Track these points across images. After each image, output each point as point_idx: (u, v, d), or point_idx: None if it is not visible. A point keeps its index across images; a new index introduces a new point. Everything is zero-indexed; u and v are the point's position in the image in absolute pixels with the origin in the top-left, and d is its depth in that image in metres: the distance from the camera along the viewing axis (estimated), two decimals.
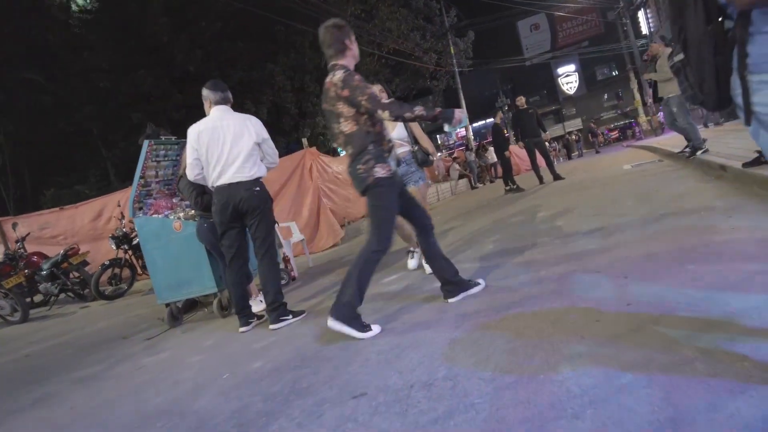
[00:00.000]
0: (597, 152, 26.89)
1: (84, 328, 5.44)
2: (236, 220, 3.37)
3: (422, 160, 3.84)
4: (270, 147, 3.55)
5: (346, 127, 2.59)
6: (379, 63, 25.22)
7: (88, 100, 13.83)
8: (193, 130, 3.40)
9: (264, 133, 3.51)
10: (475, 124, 42.73)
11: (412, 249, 4.25)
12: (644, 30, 23.63)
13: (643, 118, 26.49)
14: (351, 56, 2.69)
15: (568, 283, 2.66)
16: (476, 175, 16.91)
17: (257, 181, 3.40)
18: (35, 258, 7.11)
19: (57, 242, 8.16)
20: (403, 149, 3.82)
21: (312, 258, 6.96)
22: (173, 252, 4.31)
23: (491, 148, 19.19)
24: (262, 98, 16.91)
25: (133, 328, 4.79)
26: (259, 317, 3.60)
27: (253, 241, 3.40)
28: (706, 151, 6.49)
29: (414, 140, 3.97)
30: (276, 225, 5.73)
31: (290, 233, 6.22)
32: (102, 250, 7.85)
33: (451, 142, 46.50)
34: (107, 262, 6.50)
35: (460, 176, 16.19)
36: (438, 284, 3.01)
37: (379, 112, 2.52)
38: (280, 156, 4.39)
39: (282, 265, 5.22)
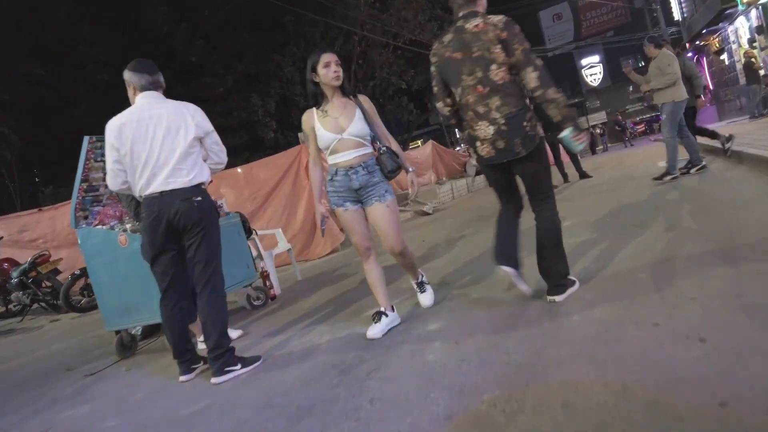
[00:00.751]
0: (629, 145, 25.53)
1: (36, 350, 4.78)
2: (172, 240, 2.61)
3: (391, 167, 2.61)
4: (215, 142, 2.77)
5: (498, 75, 2.36)
6: (395, 54, 24.32)
7: (86, 94, 13.31)
8: (113, 125, 2.60)
9: (206, 125, 2.73)
10: None
11: (382, 310, 2.74)
12: (677, 16, 22.15)
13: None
14: (482, 6, 2.53)
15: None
16: None
17: (198, 189, 2.62)
18: (6, 265, 6.52)
19: (37, 246, 7.56)
20: (361, 152, 2.60)
21: (303, 269, 6.20)
22: (120, 270, 3.60)
23: None
24: (269, 91, 16.23)
25: (85, 354, 4.11)
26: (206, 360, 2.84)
27: (192, 267, 2.63)
28: (676, 177, 5.72)
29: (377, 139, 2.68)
30: (254, 234, 5.04)
31: (275, 242, 5.46)
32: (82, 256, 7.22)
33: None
34: (78, 271, 5.86)
35: (477, 172, 15.24)
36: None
37: (528, 69, 2.31)
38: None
39: (258, 282, 4.48)
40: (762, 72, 12.99)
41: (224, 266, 3.60)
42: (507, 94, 2.37)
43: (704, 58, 22.76)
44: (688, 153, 6.03)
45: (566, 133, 2.35)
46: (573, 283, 2.55)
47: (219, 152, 2.78)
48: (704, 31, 18.02)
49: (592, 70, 40.55)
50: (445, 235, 5.87)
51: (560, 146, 8.78)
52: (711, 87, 23.03)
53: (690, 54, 23.67)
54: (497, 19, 2.37)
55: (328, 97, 2.67)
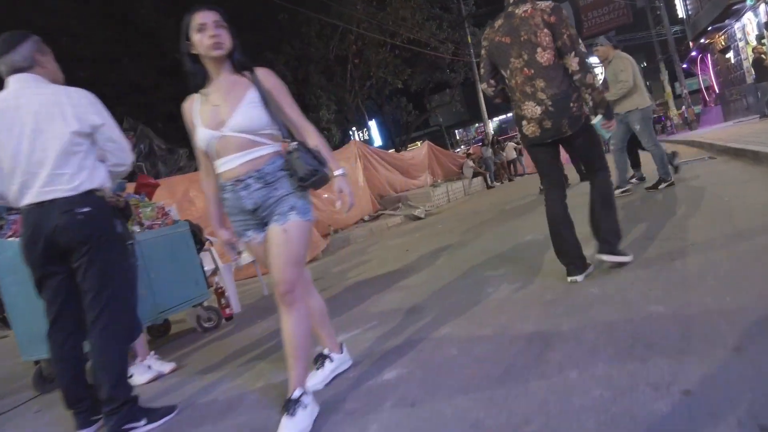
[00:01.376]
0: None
1: None
2: (55, 261, 2.04)
3: (305, 172, 1.74)
4: (109, 139, 2.13)
5: (543, 58, 2.49)
6: (392, 54, 23.78)
7: None
8: None
9: (93, 117, 2.08)
10: (495, 118, 40.91)
11: (325, 352, 2.13)
12: (681, 14, 21.57)
13: (674, 111, 24.41)
14: None
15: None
16: (492, 173, 15.36)
17: (87, 198, 2.02)
18: None
19: None
20: (251, 155, 1.76)
21: (271, 281, 5.62)
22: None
23: (510, 143, 17.66)
24: None
25: (5, 386, 3.55)
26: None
27: (82, 295, 2.06)
28: (672, 184, 5.12)
29: (289, 134, 1.86)
30: (209, 245, 4.48)
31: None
32: None
33: (470, 136, 44.71)
34: None
35: (475, 174, 14.67)
36: None
37: (572, 54, 2.45)
38: None
39: (210, 302, 3.91)
40: None
41: (169, 284, 3.01)
42: (552, 76, 2.47)
43: (708, 57, 22.17)
44: (616, 170, 5.47)
45: (597, 119, 2.51)
46: (626, 254, 2.60)
47: (117, 151, 2.15)
48: (710, 28, 17.44)
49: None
50: (432, 244, 5.30)
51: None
52: (716, 87, 22.43)
53: (694, 53, 23.11)
54: (545, 4, 2.50)
55: (211, 75, 1.83)
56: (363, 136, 30.16)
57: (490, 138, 19.62)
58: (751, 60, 15.41)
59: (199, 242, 3.99)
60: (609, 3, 37.41)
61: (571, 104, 2.48)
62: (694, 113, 22.03)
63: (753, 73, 15.25)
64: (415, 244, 5.72)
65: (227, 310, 4.01)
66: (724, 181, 4.76)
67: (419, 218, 9.10)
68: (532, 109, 2.53)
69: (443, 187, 12.60)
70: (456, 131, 45.70)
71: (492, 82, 2.76)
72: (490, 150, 15.88)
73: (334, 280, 4.57)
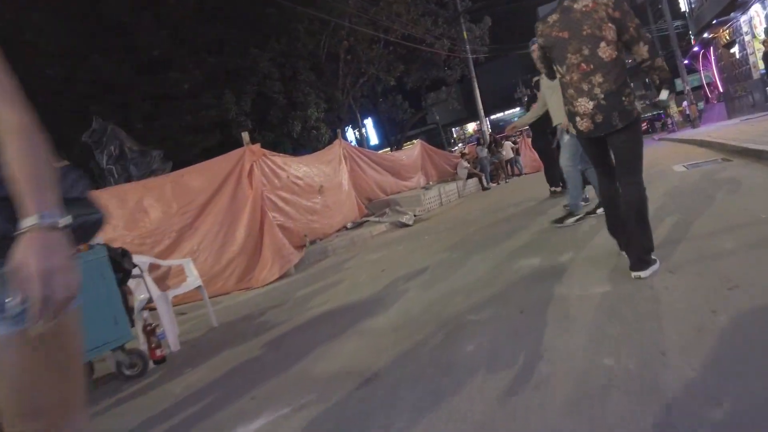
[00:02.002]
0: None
1: None
2: None
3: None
4: None
5: (606, 53, 2.47)
6: (386, 50, 23.07)
7: (41, 90, 12.03)
8: None
9: None
10: (492, 117, 40.19)
11: None
12: (683, 7, 20.84)
13: (674, 109, 23.69)
14: None
15: None
16: (488, 174, 14.66)
17: None
18: None
19: None
20: None
21: (232, 305, 4.94)
22: None
23: (507, 143, 16.94)
24: (245, 88, 14.95)
25: None
26: None
27: None
28: (582, 218, 4.43)
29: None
30: (142, 269, 3.77)
31: (182, 276, 4.21)
32: None
33: (467, 134, 43.91)
34: None
35: (470, 175, 13.97)
36: None
37: (641, 43, 2.47)
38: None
39: (136, 341, 3.23)
40: None
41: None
42: (609, 71, 2.47)
43: (711, 52, 21.48)
44: (567, 189, 4.85)
45: (664, 95, 2.58)
46: (655, 261, 2.54)
47: None
48: (714, 21, 16.73)
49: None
50: (411, 263, 4.62)
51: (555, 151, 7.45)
52: (719, 83, 21.75)
53: (696, 48, 22.42)
54: None
55: None
56: (358, 135, 29.42)
57: (486, 137, 18.93)
58: (760, 54, 14.74)
59: (123, 270, 3.29)
60: None
61: (623, 98, 2.49)
62: (696, 110, 21.32)
63: (761, 67, 14.59)
64: (394, 261, 5.03)
65: (158, 351, 3.32)
66: (752, 191, 4.07)
67: (407, 225, 8.40)
68: (585, 104, 2.55)
69: (435, 190, 11.91)
70: (453, 129, 45.01)
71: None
72: (486, 150, 15.19)
73: (291, 311, 3.89)
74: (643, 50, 2.47)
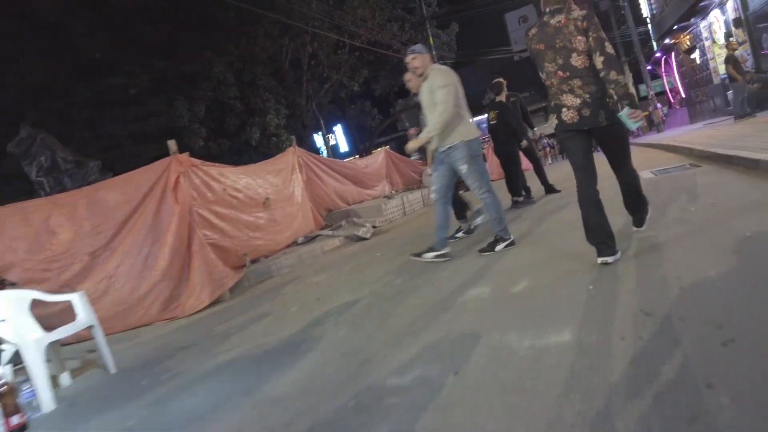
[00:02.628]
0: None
1: None
2: None
3: None
4: None
5: (578, 62, 2.72)
6: (352, 56, 22.54)
7: None
8: None
9: None
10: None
11: None
12: (645, 12, 20.98)
13: (636, 125, 23.80)
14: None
15: None
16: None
17: None
18: None
19: None
20: None
21: (141, 343, 4.22)
22: None
23: None
24: (198, 93, 14.14)
25: None
26: None
27: None
28: (512, 243, 3.95)
29: None
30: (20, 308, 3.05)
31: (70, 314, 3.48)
32: None
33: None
34: None
35: None
36: None
37: (597, 54, 2.64)
38: None
39: None
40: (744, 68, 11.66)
41: None
42: (586, 76, 2.72)
43: (672, 58, 21.71)
44: (436, 220, 4.21)
45: (624, 111, 2.61)
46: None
47: None
48: (675, 27, 16.80)
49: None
50: (354, 287, 4.03)
51: (520, 157, 7.00)
52: (681, 88, 21.99)
53: (658, 54, 22.64)
54: (579, 13, 2.72)
55: None
56: (323, 142, 28.76)
57: None
58: (720, 59, 14.80)
59: None
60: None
61: (608, 100, 2.71)
62: (660, 115, 21.49)
63: (722, 72, 14.64)
64: (334, 286, 4.42)
65: (14, 419, 2.61)
66: (728, 201, 3.63)
67: (364, 239, 7.81)
68: (571, 99, 2.76)
69: (398, 199, 11.35)
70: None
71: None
72: None
73: (197, 357, 3.23)
74: (598, 60, 2.64)
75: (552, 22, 2.78)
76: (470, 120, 3.98)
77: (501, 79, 7.08)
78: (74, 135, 11.85)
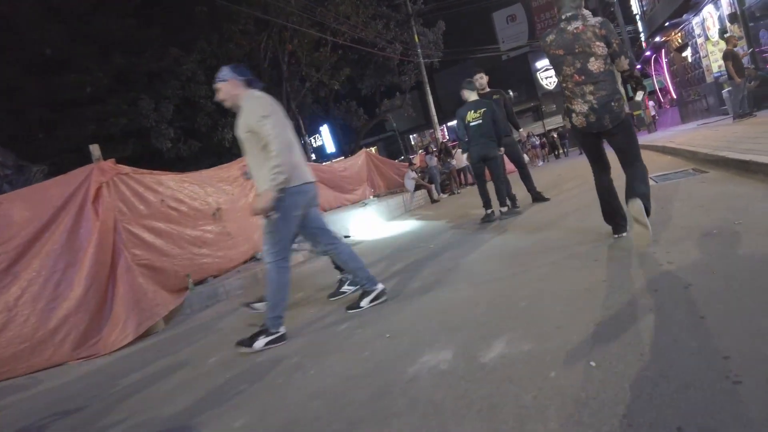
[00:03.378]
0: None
1: None
2: None
3: None
4: None
5: (594, 66, 2.96)
6: (336, 54, 21.73)
7: None
8: None
9: None
10: (450, 123, 39.44)
11: None
12: (635, 9, 20.43)
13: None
14: (582, 8, 3.07)
15: None
16: (438, 185, 13.49)
17: None
18: None
19: None
20: None
21: (38, 393, 3.39)
22: None
23: (458, 151, 15.84)
24: (166, 92, 13.26)
25: None
26: None
27: None
28: (382, 295, 3.25)
29: None
30: None
31: None
32: None
33: (425, 142, 42.90)
34: None
35: (417, 187, 12.71)
36: None
37: (623, 58, 2.96)
38: None
39: None
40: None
41: None
42: (600, 80, 2.97)
43: (662, 57, 21.18)
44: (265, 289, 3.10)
45: (639, 96, 3.30)
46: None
47: None
48: (666, 24, 16.22)
49: (548, 73, 39.01)
50: (297, 324, 3.26)
51: (503, 163, 6.21)
52: (671, 87, 21.48)
53: (648, 53, 22.12)
54: (595, 20, 2.98)
55: None
56: (314, 142, 27.92)
57: (439, 145, 17.83)
58: (713, 57, 14.23)
59: None
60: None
61: (613, 104, 2.97)
62: (651, 115, 20.96)
63: (715, 70, 14.07)
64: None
65: None
66: (759, 221, 2.90)
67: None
68: (580, 105, 3.05)
69: (382, 203, 10.60)
70: (410, 137, 44.02)
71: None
72: (435, 159, 14.02)
73: (168, 384, 2.44)
74: (624, 63, 2.99)
75: (569, 28, 3.02)
76: (301, 157, 3.07)
77: (483, 72, 6.37)
78: (26, 136, 10.94)
